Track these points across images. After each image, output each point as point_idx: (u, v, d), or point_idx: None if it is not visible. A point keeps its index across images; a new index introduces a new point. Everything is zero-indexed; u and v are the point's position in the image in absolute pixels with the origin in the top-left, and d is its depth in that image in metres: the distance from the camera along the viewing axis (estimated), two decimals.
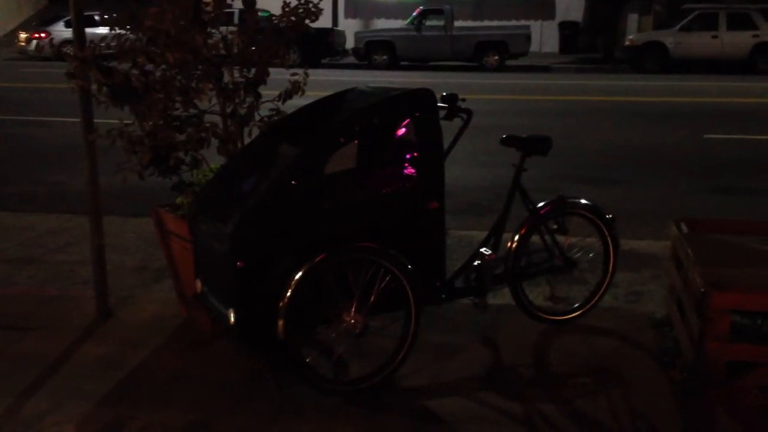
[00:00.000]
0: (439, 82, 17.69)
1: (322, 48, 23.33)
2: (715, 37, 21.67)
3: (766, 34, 21.39)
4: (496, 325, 4.19)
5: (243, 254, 3.15)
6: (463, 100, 3.75)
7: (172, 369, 3.67)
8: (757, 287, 3.27)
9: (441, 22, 23.22)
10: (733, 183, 8.03)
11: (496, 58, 22.82)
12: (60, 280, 4.94)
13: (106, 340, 3.99)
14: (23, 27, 27.96)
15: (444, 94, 3.75)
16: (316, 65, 22.74)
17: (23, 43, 26.73)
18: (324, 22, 24.31)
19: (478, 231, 4.72)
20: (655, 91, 16.41)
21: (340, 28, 26.40)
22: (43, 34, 25.69)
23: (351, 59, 24.60)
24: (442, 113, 3.65)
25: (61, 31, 24.40)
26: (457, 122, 3.76)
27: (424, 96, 3.45)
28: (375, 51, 23.45)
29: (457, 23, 24.08)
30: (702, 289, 3.25)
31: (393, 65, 23.17)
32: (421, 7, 24.34)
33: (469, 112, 3.74)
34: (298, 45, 21.37)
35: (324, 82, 15.01)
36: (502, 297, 4.28)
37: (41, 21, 28.02)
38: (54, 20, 26.22)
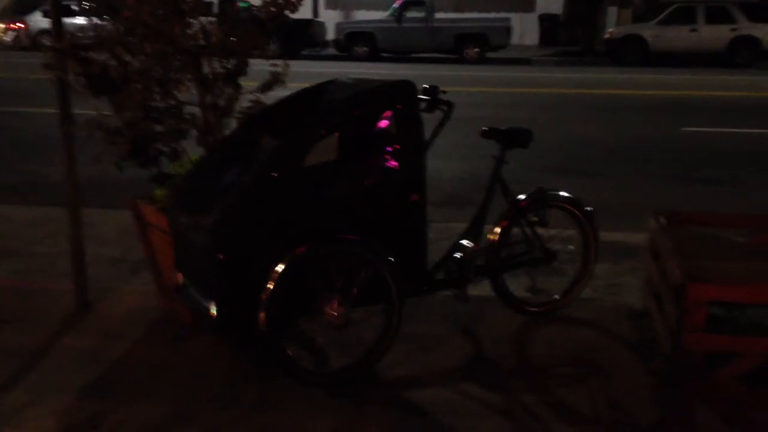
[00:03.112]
0: (419, 74, 17.66)
1: (302, 39, 23.21)
2: (693, 30, 21.82)
3: (744, 28, 21.56)
4: (478, 316, 4.20)
5: (224, 247, 3.14)
6: (444, 92, 3.75)
7: (153, 362, 3.65)
8: (732, 279, 3.31)
9: (422, 14, 23.17)
10: (709, 175, 8.11)
11: (477, 50, 22.82)
12: (39, 272, 4.89)
13: (86, 333, 3.96)
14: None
15: (425, 86, 3.75)
16: (296, 56, 22.66)
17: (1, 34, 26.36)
18: (304, 13, 24.16)
19: (459, 223, 4.73)
20: (634, 84, 16.51)
21: (320, 19, 26.29)
22: (20, 24, 25.37)
23: (332, 50, 24.51)
24: (422, 105, 3.65)
25: (38, 20, 24.10)
26: (438, 114, 3.76)
27: (405, 88, 3.45)
28: (355, 42, 23.38)
29: (438, 15, 24.04)
30: (679, 282, 3.28)
31: (373, 57, 23.11)
32: None
33: (449, 105, 3.75)
34: (278, 36, 21.22)
35: (304, 73, 14.91)
36: (484, 289, 4.30)
37: (18, 10, 27.64)
38: (30, 9, 25.87)
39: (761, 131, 10.55)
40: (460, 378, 3.54)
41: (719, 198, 7.21)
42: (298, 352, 3.43)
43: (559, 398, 3.37)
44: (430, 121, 3.57)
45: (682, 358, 3.35)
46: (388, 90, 3.49)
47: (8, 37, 25.85)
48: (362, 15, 28.53)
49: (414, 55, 23.53)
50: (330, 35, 24.88)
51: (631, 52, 21.94)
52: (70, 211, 4.12)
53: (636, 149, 9.49)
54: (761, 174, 8.08)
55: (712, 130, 10.67)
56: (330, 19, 27.04)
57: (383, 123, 3.43)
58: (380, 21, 23.93)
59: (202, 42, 4.04)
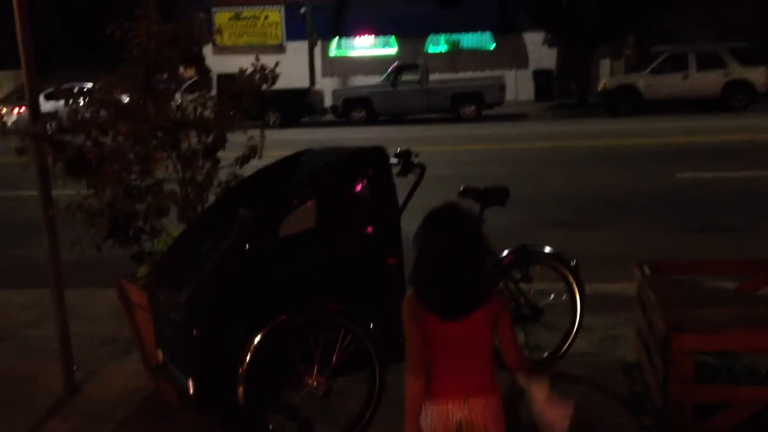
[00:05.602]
0: (416, 135, 17.85)
1: (300, 107, 23.58)
2: (686, 77, 22.01)
3: (736, 72, 21.75)
4: None
5: (199, 321, 3.12)
6: (416, 155, 3.78)
7: None
8: (717, 328, 3.26)
9: (416, 77, 23.52)
10: (705, 221, 8.05)
11: (473, 108, 23.06)
12: (31, 355, 4.85)
13: (72, 417, 3.92)
14: (4, 102, 28.12)
15: (398, 150, 3.78)
16: (296, 124, 22.95)
17: (4, 118, 26.79)
18: (301, 81, 24.51)
19: None
20: (629, 133, 16.58)
21: (317, 86, 26.71)
22: (23, 108, 25.83)
23: (330, 117, 24.83)
24: (396, 169, 3.67)
25: (42, 104, 24.53)
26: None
27: (376, 154, 3.47)
28: (353, 108, 23.68)
29: (433, 76, 24.43)
30: (663, 333, 3.24)
31: (371, 121, 23.37)
32: (396, 63, 24.70)
33: (422, 167, 3.77)
34: (277, 106, 21.53)
35: (304, 140, 15.17)
36: None
37: (21, 95, 28.13)
38: None
39: (756, 174, 10.54)
40: None
41: (717, 245, 7.15)
42: (280, 425, 3.37)
43: None
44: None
45: (672, 410, 3.28)
46: (359, 157, 3.52)
47: (12, 121, 26.28)
48: (359, 81, 28.96)
49: (411, 117, 23.79)
50: (328, 102, 25.23)
51: (625, 102, 22.11)
52: (55, 295, 4.12)
53: (632, 198, 9.48)
54: (759, 219, 8.04)
55: (706, 175, 10.67)
56: (327, 86, 27.47)
57: (356, 189, 3.45)
58: (376, 86, 24.27)
59: (179, 119, 4.10)
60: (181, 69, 4.20)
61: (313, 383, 3.28)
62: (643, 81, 22.30)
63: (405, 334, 2.42)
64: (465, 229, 2.31)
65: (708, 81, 21.76)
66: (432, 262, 2.30)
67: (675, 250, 6.81)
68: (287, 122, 22.49)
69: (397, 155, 3.75)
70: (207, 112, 4.21)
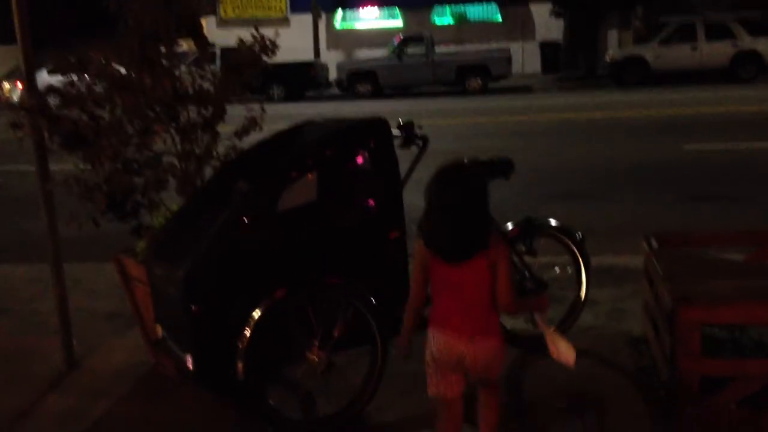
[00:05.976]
0: (421, 109, 17.71)
1: (305, 81, 23.41)
2: (694, 48, 21.75)
3: (745, 43, 21.48)
4: None
5: (197, 298, 3.07)
6: (420, 127, 3.70)
7: (136, 417, 3.58)
8: (724, 300, 3.19)
9: (421, 49, 23.29)
10: (713, 193, 7.96)
11: (479, 81, 22.85)
12: (31, 329, 4.83)
13: (71, 392, 3.90)
14: (8, 77, 27.98)
15: (400, 121, 3.70)
16: (300, 98, 22.80)
17: (7, 93, 26.70)
18: (306, 55, 24.26)
19: None
20: (637, 104, 16.42)
21: (322, 60, 26.50)
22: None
23: (334, 90, 24.64)
24: (398, 141, 3.60)
25: (45, 78, 24.40)
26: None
27: (378, 125, 3.40)
28: (358, 81, 23.48)
29: (438, 49, 24.16)
30: (670, 306, 3.17)
31: (376, 94, 23.19)
32: (401, 35, 24.45)
33: (425, 139, 3.69)
34: (281, 79, 21.38)
35: (307, 114, 15.07)
36: None
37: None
38: (37, 68, 26.19)
39: (765, 145, 10.41)
40: None
41: (724, 215, 7.08)
42: (280, 400, 3.33)
43: None
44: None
45: (679, 384, 3.22)
46: (360, 128, 3.44)
47: (15, 96, 26.17)
48: (363, 54, 28.72)
49: (416, 90, 23.60)
50: (332, 75, 25.04)
51: (632, 73, 21.87)
52: (53, 270, 4.08)
53: (639, 170, 9.38)
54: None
55: (714, 147, 10.54)
56: (331, 59, 27.22)
57: (357, 162, 3.38)
58: (381, 59, 24.05)
59: (176, 92, 4.02)
60: (183, 43, 4.12)
61: (314, 358, 3.24)
62: (651, 52, 22.05)
63: (412, 275, 2.80)
64: (470, 182, 2.58)
65: (716, 52, 21.51)
66: (439, 211, 2.58)
67: (682, 222, 6.75)
68: (291, 96, 22.35)
69: (399, 127, 3.67)
70: (207, 85, 4.13)
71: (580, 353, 4.00)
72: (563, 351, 2.81)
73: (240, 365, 3.07)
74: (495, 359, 2.71)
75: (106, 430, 3.49)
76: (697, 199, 7.73)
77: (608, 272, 5.27)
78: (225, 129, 4.21)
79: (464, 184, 2.57)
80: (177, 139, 3.98)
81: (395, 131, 3.59)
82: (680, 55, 21.77)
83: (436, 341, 2.72)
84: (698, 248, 3.98)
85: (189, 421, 3.51)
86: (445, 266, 2.64)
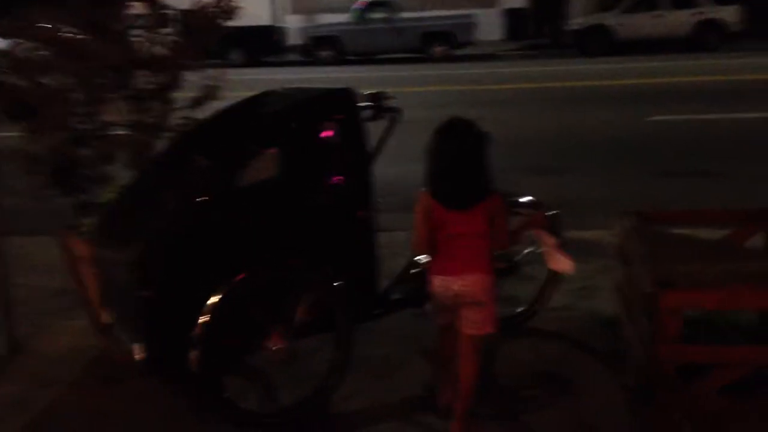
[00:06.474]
0: (385, 75, 17.43)
1: (265, 46, 22.89)
2: (658, 16, 21.69)
3: (708, 11, 21.46)
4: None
5: (147, 284, 2.84)
6: (391, 97, 3.47)
7: (85, 408, 3.37)
8: (707, 284, 3.05)
9: (386, 14, 22.90)
10: (678, 166, 7.86)
11: (443, 48, 22.58)
12: None
13: (15, 379, 3.66)
14: None
15: (368, 92, 3.46)
16: (260, 63, 22.30)
17: None
18: (266, 19, 23.65)
19: None
20: (600, 74, 16.29)
21: (284, 24, 25.92)
22: None
23: (296, 56, 24.15)
24: (366, 113, 3.37)
25: None
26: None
27: (344, 96, 3.18)
28: (320, 46, 23.04)
29: (403, 14, 23.76)
30: (649, 289, 3.03)
31: (339, 60, 22.78)
32: (364, 0, 24.00)
33: (396, 111, 3.47)
34: (240, 44, 20.78)
35: (268, 80, 14.72)
36: None
37: None
38: None
39: (730, 116, 10.38)
40: (419, 407, 3.27)
41: (689, 189, 6.98)
42: (239, 392, 3.13)
43: (526, 425, 3.11)
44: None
45: (656, 371, 3.09)
46: (325, 99, 3.22)
47: None
48: (326, 19, 28.17)
49: (380, 56, 23.25)
50: (294, 40, 24.51)
51: (596, 42, 21.73)
52: None
53: (603, 142, 9.25)
54: (735, 161, 7.88)
55: (679, 117, 10.48)
56: (293, 24, 26.64)
57: (322, 135, 3.16)
58: (344, 24, 23.60)
59: (128, 57, 3.74)
60: (135, 5, 3.84)
61: (275, 346, 3.04)
62: (614, 20, 21.93)
63: (414, 223, 2.95)
64: (470, 135, 2.84)
65: (679, 20, 21.46)
66: (443, 162, 2.83)
67: (648, 195, 6.65)
68: (251, 61, 21.83)
69: (367, 97, 3.43)
70: (161, 50, 3.85)
71: (550, 335, 3.91)
72: (562, 261, 3.18)
73: (194, 356, 2.86)
74: (482, 287, 2.93)
75: (53, 421, 3.27)
76: (665, 172, 7.63)
77: (575, 247, 5.11)
78: (181, 97, 3.95)
79: (464, 136, 2.83)
80: (127, 108, 3.70)
81: (363, 102, 3.36)
82: (644, 23, 21.68)
83: (436, 285, 2.96)
84: (675, 226, 3.82)
85: (142, 411, 3.30)
86: (449, 215, 2.86)
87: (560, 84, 15.01)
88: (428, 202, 2.89)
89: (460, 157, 2.82)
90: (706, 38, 21.30)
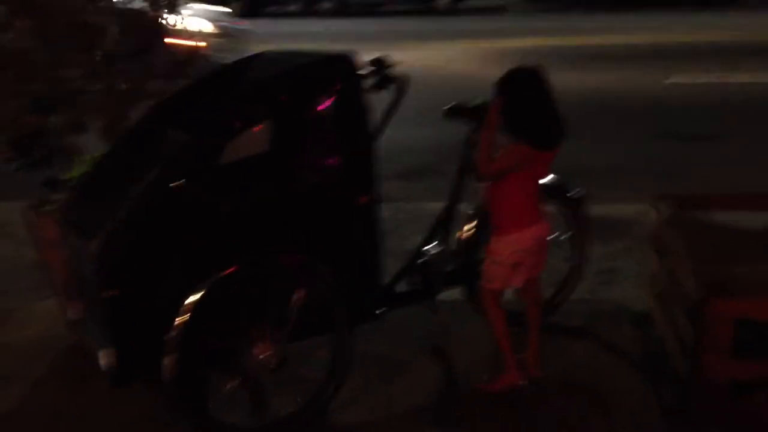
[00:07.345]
0: (386, 29, 16.82)
1: None
2: None
3: None
4: (449, 330, 3.53)
5: (115, 280, 2.43)
6: (395, 64, 3.00)
7: (51, 409, 3.02)
8: (764, 288, 2.63)
9: None
10: (696, 132, 7.41)
11: (448, 0, 21.91)
12: None
13: None
14: None
15: (371, 59, 2.99)
16: (259, 15, 21.60)
17: None
18: None
19: (431, 202, 4.05)
20: (617, 29, 15.64)
21: None
22: None
23: (296, 7, 23.45)
24: (369, 83, 2.91)
25: None
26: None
27: (343, 63, 2.73)
28: None
29: None
30: (697, 295, 2.61)
31: (341, 12, 22.12)
32: None
33: (402, 81, 2.99)
34: None
35: (270, 32, 14.31)
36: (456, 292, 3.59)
37: None
38: None
39: (749, 81, 9.86)
40: (427, 419, 2.89)
41: (706, 157, 6.54)
42: (223, 403, 2.72)
43: None
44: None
45: (701, 385, 2.70)
46: (321, 66, 2.78)
47: None
48: None
49: (383, 8, 22.55)
50: None
51: None
52: None
53: (618, 105, 8.77)
54: (750, 127, 7.43)
55: (698, 81, 9.95)
56: None
57: (318, 108, 2.72)
58: None
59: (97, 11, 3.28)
60: None
61: (264, 351, 2.64)
62: None
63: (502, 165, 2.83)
64: (540, 74, 2.85)
65: None
66: (549, 102, 2.84)
67: (664, 165, 6.27)
68: (249, 12, 21.13)
69: (370, 64, 2.96)
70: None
71: (574, 334, 3.50)
72: None
73: (169, 361, 2.45)
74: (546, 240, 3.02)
75: (19, 421, 2.91)
76: (680, 138, 7.19)
77: (594, 223, 4.71)
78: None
79: (537, 74, 2.85)
80: (98, 71, 3.24)
81: (365, 69, 2.89)
82: None
83: (522, 241, 2.91)
84: (721, 216, 3.36)
85: (114, 416, 2.92)
86: (541, 156, 2.83)
87: (572, 40, 14.37)
88: (528, 152, 2.78)
89: (547, 90, 2.83)
90: None
